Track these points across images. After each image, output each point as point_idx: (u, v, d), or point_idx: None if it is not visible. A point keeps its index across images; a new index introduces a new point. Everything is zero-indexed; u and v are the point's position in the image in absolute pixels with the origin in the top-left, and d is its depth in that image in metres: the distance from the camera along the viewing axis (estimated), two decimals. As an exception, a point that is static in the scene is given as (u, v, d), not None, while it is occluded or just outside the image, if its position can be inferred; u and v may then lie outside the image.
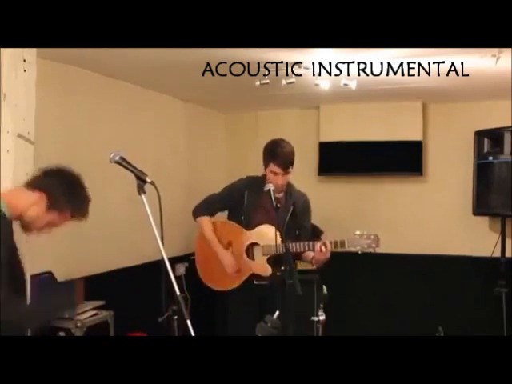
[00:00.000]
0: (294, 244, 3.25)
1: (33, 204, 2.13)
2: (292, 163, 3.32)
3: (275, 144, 3.35)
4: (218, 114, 5.97)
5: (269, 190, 3.04)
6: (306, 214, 3.49)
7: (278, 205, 3.03)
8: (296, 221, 3.29)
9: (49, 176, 2.21)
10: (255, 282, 3.39)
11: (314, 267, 3.72)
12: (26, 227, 2.17)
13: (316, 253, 3.24)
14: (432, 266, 5.26)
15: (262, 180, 3.41)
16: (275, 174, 3.29)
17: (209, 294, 3.71)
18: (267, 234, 3.29)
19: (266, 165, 3.35)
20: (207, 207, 3.52)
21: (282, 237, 3.20)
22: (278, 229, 3.08)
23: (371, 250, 3.25)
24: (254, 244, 3.41)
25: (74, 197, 2.20)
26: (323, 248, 3.19)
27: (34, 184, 2.18)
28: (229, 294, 3.48)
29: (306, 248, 3.27)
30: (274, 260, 3.30)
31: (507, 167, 4.52)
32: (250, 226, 3.40)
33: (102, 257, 4.13)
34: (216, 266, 3.47)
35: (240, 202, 3.41)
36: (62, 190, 2.17)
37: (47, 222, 2.18)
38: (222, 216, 3.67)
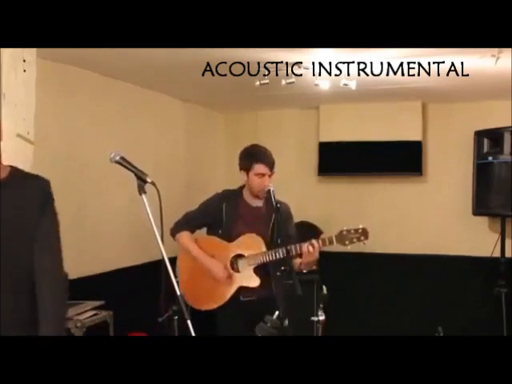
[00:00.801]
0: (276, 250, 3.08)
1: None
2: (274, 164, 3.23)
3: (254, 147, 3.28)
4: (218, 114, 5.97)
5: (269, 190, 3.00)
6: (289, 222, 3.33)
7: (278, 205, 2.99)
8: (280, 229, 3.05)
9: None
10: (242, 299, 3.21)
11: (315, 268, 3.64)
12: None
13: (304, 255, 3.07)
14: (432, 266, 5.27)
15: (238, 192, 3.31)
16: (261, 175, 3.17)
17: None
18: (250, 244, 3.18)
19: (247, 169, 3.21)
20: (186, 224, 3.36)
21: (268, 245, 3.13)
22: (263, 236, 3.05)
23: (361, 243, 3.12)
24: (238, 256, 3.25)
25: None
26: (310, 248, 3.04)
27: None
28: (215, 313, 3.29)
29: (293, 252, 3.10)
30: (261, 269, 3.16)
31: (507, 167, 4.52)
32: (231, 237, 3.25)
33: (102, 257, 4.13)
34: (200, 285, 3.29)
35: (218, 216, 3.27)
36: None
37: None
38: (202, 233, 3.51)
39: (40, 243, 2.08)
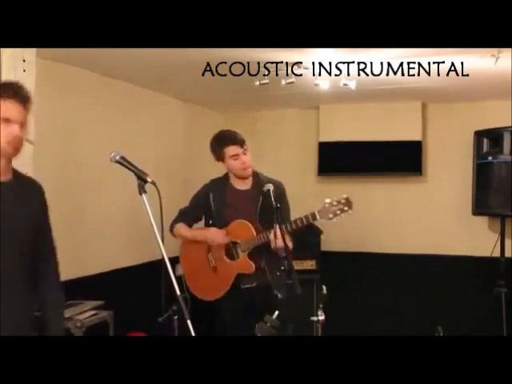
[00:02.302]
0: (264, 233, 3.09)
1: None
2: (244, 141, 3.24)
3: (217, 135, 3.32)
4: (218, 114, 5.97)
5: (268, 190, 2.96)
6: (280, 201, 3.15)
7: (278, 204, 2.97)
8: (270, 209, 2.94)
9: None
10: (242, 286, 3.25)
11: (315, 267, 3.63)
12: (6, 155, 2.07)
13: (271, 241, 3.02)
14: (431, 266, 5.27)
15: (225, 178, 3.35)
16: (236, 156, 3.21)
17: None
18: (242, 230, 3.20)
19: (221, 156, 3.25)
20: (181, 218, 3.43)
21: (257, 229, 3.15)
22: (251, 221, 3.07)
23: (346, 214, 3.03)
24: (232, 243, 3.28)
25: None
26: (272, 236, 2.97)
27: None
28: (216, 303, 3.33)
29: (266, 238, 3.09)
30: (254, 253, 3.19)
31: (507, 167, 4.52)
32: (222, 225, 3.28)
33: (102, 257, 4.13)
34: (201, 275, 3.37)
35: (208, 206, 3.33)
36: None
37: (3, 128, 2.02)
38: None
39: (43, 245, 2.21)
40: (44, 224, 2.24)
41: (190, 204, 3.48)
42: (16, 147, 2.07)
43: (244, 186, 3.32)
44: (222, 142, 3.26)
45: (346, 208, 3.03)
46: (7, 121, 2.02)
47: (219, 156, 3.29)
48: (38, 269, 2.19)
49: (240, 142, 3.23)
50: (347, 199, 3.05)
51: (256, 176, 3.33)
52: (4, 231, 2.02)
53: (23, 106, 2.06)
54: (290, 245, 3.07)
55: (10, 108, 2.02)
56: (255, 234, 3.17)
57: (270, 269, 3.07)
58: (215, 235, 3.28)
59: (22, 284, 2.11)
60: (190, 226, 3.46)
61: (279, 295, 2.76)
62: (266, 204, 3.04)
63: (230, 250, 3.30)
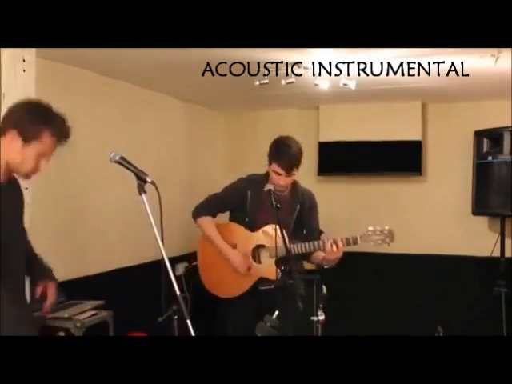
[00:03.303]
0: (302, 244, 3.09)
1: (8, 147, 2.07)
2: (297, 165, 3.14)
3: (281, 143, 3.18)
4: (218, 114, 5.97)
5: (269, 190, 2.97)
6: (312, 213, 3.29)
7: (278, 205, 2.95)
8: (303, 220, 3.08)
9: (14, 111, 2.13)
10: (260, 288, 3.18)
11: (315, 267, 3.63)
12: (23, 174, 2.15)
13: (327, 252, 3.06)
14: (431, 266, 5.27)
15: (264, 178, 3.25)
16: (277, 174, 3.13)
17: (209, 294, 3.69)
18: (273, 235, 3.09)
19: (269, 163, 3.19)
20: (208, 207, 3.33)
21: (284, 238, 3.05)
22: (281, 229, 2.92)
23: (386, 245, 3.08)
24: (259, 246, 3.24)
25: (45, 118, 2.12)
26: (334, 247, 3.03)
27: (2, 125, 2.11)
28: (229, 301, 3.31)
29: (316, 247, 3.10)
30: (282, 262, 3.11)
31: (506, 167, 4.52)
32: (254, 227, 3.22)
33: (102, 257, 4.13)
34: (221, 271, 3.29)
35: (243, 203, 3.23)
36: (29, 117, 2.08)
37: (34, 155, 2.09)
38: (223, 218, 3.53)
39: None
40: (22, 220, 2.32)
41: (222, 194, 3.37)
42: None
43: (281, 192, 3.22)
44: (276, 155, 3.15)
45: (387, 240, 3.09)
46: (44, 155, 2.11)
47: (268, 161, 3.21)
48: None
49: (289, 168, 3.11)
50: (390, 231, 3.10)
51: (294, 184, 3.28)
52: (9, 231, 2.07)
53: (60, 143, 2.16)
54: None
55: (52, 146, 2.12)
56: (288, 242, 3.06)
57: (296, 281, 3.00)
58: (239, 265, 3.22)
59: (23, 282, 2.18)
60: (215, 216, 3.37)
61: (301, 306, 2.73)
62: (300, 214, 3.06)
63: (258, 253, 3.26)
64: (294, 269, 2.82)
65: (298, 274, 3.05)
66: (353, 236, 3.09)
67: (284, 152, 3.12)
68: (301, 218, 3.11)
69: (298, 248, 3.10)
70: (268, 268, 3.16)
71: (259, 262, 3.25)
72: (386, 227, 3.10)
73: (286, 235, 3.07)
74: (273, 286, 3.17)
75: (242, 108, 5.84)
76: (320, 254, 3.19)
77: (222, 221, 3.51)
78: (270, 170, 3.19)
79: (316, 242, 3.07)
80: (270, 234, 3.14)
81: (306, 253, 3.09)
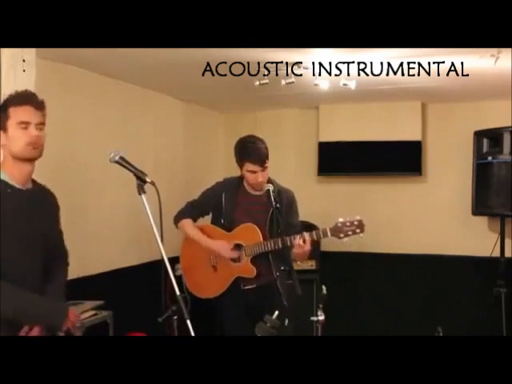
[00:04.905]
0: (273, 241, 3.10)
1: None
2: (267, 157, 3.18)
3: (245, 141, 3.24)
4: (218, 114, 5.97)
5: (268, 190, 3.01)
6: (290, 210, 3.30)
7: (278, 205, 2.99)
8: (279, 218, 3.03)
9: None
10: (243, 287, 3.25)
11: (315, 267, 3.64)
12: (24, 152, 2.20)
13: (295, 247, 3.05)
14: (431, 266, 5.27)
15: (239, 180, 3.32)
16: (253, 172, 3.16)
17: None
18: (249, 234, 3.20)
19: (241, 165, 3.23)
20: (187, 212, 3.42)
21: (259, 236, 3.16)
22: (258, 228, 3.07)
23: (356, 236, 3.04)
24: (237, 245, 3.27)
25: (12, 99, 2.21)
26: (301, 241, 3.01)
27: None
28: (217, 302, 3.36)
29: (287, 243, 3.06)
30: (257, 259, 3.19)
31: (506, 167, 4.52)
32: (231, 227, 3.28)
33: (102, 257, 4.13)
34: (199, 273, 3.38)
35: (218, 205, 3.31)
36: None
37: (15, 132, 2.17)
38: (205, 221, 3.55)
39: (55, 247, 2.44)
40: (56, 233, 2.44)
41: (200, 198, 3.44)
42: (36, 147, 2.20)
43: (257, 191, 3.27)
44: (245, 154, 3.20)
45: (358, 230, 3.05)
46: (24, 124, 2.16)
47: (238, 163, 3.26)
48: (48, 272, 2.34)
49: (261, 162, 3.15)
50: (360, 222, 3.06)
51: (268, 192, 3.23)
52: (19, 235, 2.16)
53: (37, 109, 2.20)
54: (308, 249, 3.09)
55: (25, 112, 2.17)
56: (262, 239, 3.16)
57: (280, 278, 3.02)
58: (223, 249, 3.26)
59: (32, 285, 2.21)
60: (196, 220, 3.45)
61: (286, 304, 2.76)
62: (280, 211, 3.05)
63: (236, 252, 3.29)
64: (287, 269, 2.82)
65: (283, 272, 3.07)
66: (322, 229, 3.07)
67: (252, 149, 3.18)
68: (277, 216, 3.07)
69: (270, 245, 3.11)
70: (244, 266, 3.23)
71: (235, 261, 3.29)
72: (357, 217, 3.05)
73: (260, 234, 3.18)
74: (255, 285, 3.24)
75: (241, 108, 5.83)
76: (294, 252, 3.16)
77: (198, 224, 3.52)
78: (244, 172, 3.22)
79: (287, 238, 3.04)
80: (246, 233, 3.22)
81: (284, 250, 3.04)
